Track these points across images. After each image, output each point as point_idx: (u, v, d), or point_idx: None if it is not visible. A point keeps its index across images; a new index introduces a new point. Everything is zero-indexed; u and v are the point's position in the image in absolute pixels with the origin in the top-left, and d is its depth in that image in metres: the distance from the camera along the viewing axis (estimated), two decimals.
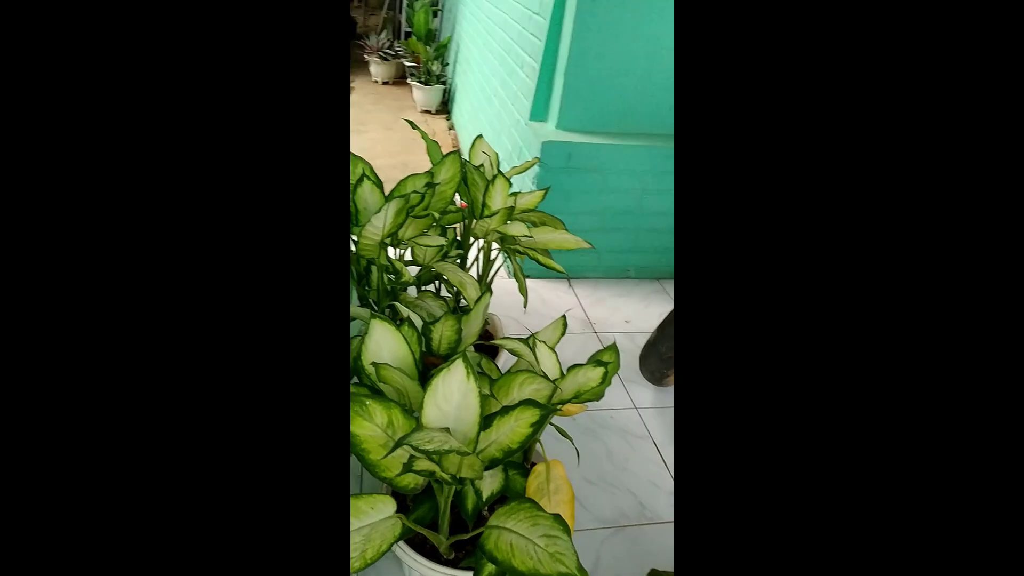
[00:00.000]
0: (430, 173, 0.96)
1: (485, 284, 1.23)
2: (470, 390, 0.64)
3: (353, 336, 0.79)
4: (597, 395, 0.73)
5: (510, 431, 0.63)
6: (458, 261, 1.19)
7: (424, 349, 0.82)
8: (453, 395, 0.64)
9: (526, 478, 0.75)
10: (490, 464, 0.64)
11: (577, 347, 1.48)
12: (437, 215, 0.99)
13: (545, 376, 0.72)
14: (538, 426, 0.62)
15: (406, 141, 3.20)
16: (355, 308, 0.87)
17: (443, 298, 0.97)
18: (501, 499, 0.78)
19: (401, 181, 0.97)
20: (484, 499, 0.69)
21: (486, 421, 0.65)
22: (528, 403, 0.63)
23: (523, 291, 1.20)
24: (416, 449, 0.55)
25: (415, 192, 0.93)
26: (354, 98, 3.87)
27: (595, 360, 0.77)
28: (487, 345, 1.24)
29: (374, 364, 0.67)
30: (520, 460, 0.82)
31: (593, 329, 1.57)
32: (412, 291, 1.17)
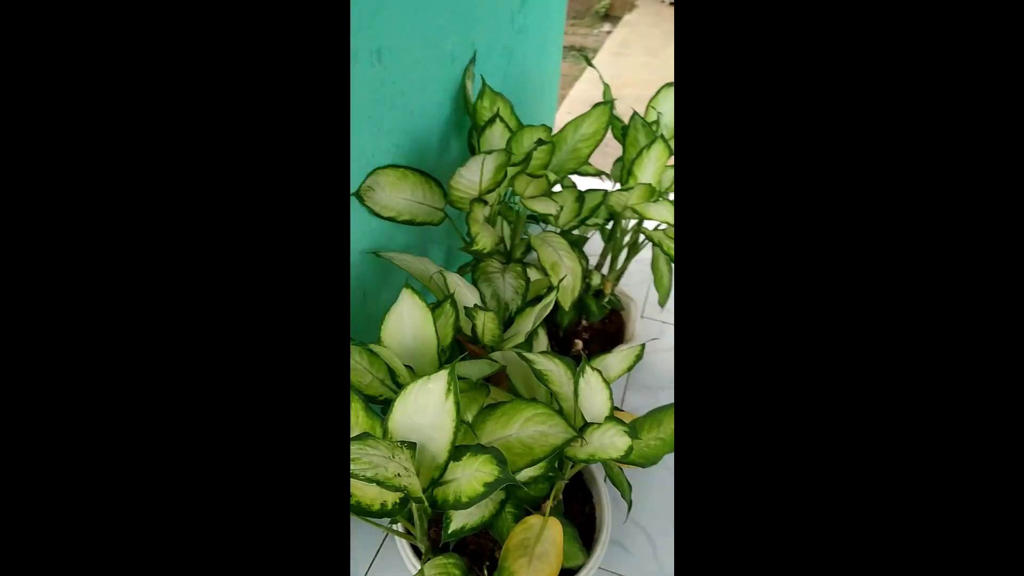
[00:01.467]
0: (547, 128, 0.80)
1: (613, 272, 1.05)
2: (446, 412, 0.52)
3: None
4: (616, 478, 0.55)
5: (465, 481, 0.51)
6: (588, 237, 1.02)
7: (470, 334, 0.71)
8: (428, 410, 0.53)
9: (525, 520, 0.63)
10: (459, 504, 0.53)
11: None
12: (554, 176, 0.84)
13: (566, 420, 0.56)
14: (492, 488, 0.48)
15: (668, 69, 2.91)
16: (425, 264, 0.79)
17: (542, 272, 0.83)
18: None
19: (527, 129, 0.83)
20: (457, 530, 0.59)
21: (456, 452, 0.53)
22: (489, 457, 0.49)
23: (660, 287, 0.99)
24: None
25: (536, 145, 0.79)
26: (631, 17, 3.62)
27: (637, 423, 0.58)
28: (607, 332, 1.08)
29: (365, 347, 0.59)
30: (544, 492, 0.68)
31: None
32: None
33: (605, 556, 0.91)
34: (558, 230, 0.96)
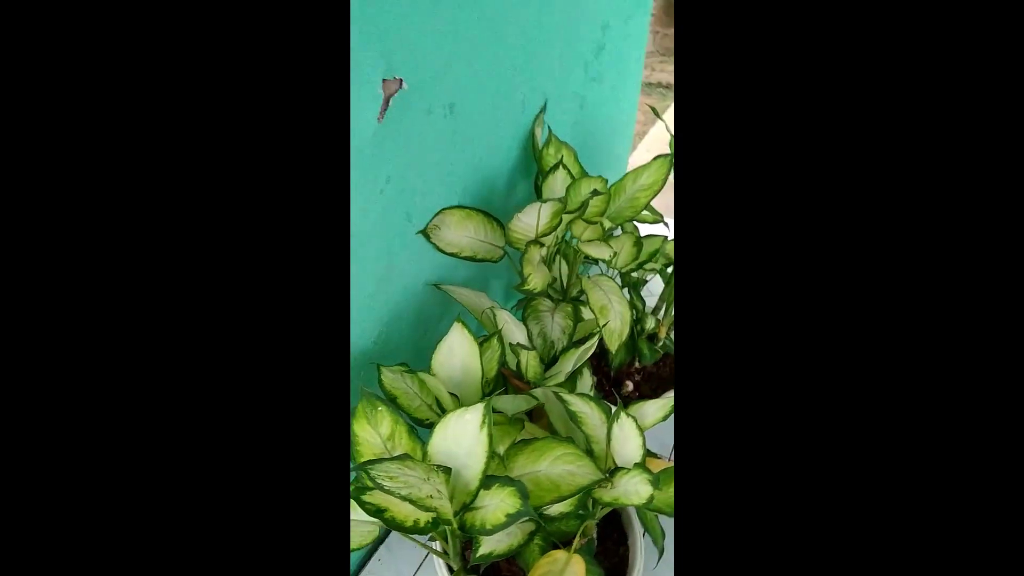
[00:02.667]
0: (603, 180, 0.84)
1: (668, 317, 1.06)
2: (480, 442, 0.56)
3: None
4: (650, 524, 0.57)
5: (492, 509, 0.54)
6: (647, 280, 1.04)
7: (515, 369, 0.75)
8: (464, 439, 0.58)
9: (558, 549, 0.65)
10: (484, 530, 0.57)
11: None
12: (608, 223, 0.87)
13: (595, 462, 0.59)
14: (513, 519, 0.52)
15: None
16: (481, 299, 0.85)
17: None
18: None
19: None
20: (485, 555, 0.63)
21: (487, 481, 0.57)
22: (514, 490, 0.53)
23: None
24: (372, 482, 0.52)
25: (592, 194, 0.83)
26: None
27: (665, 473, 0.59)
28: (660, 375, 1.09)
29: (416, 374, 0.65)
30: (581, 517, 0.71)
31: None
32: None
33: None
34: (614, 273, 0.99)
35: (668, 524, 1.00)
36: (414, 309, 0.86)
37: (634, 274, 1.08)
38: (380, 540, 1.00)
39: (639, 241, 0.96)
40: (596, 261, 1.00)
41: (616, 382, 1.06)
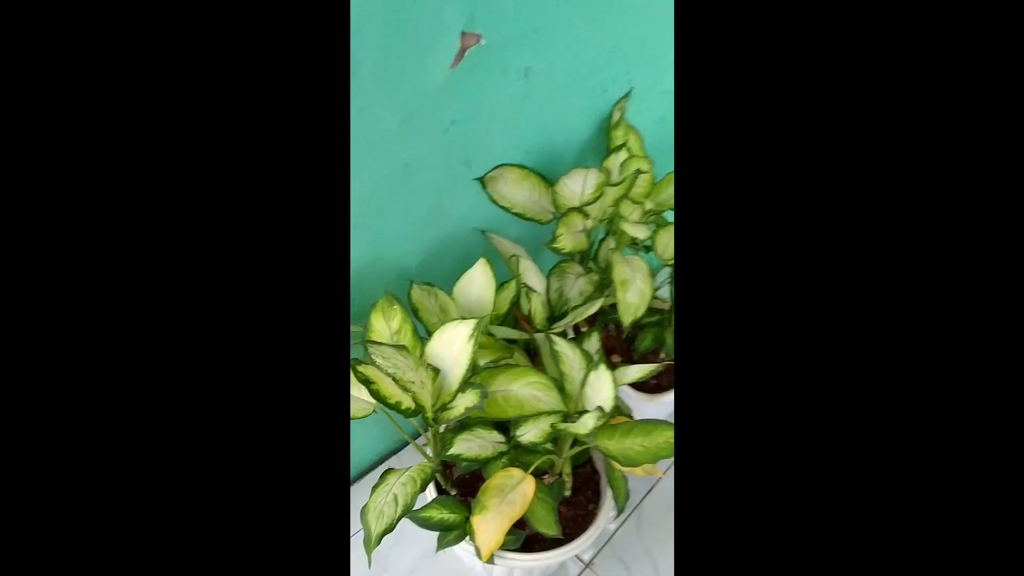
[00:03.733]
0: (651, 161, 0.88)
1: None
2: (465, 352, 0.65)
3: None
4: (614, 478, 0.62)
5: (461, 406, 0.63)
6: None
7: (526, 314, 0.82)
8: (454, 345, 0.66)
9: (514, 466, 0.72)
10: (450, 419, 0.65)
11: None
12: (651, 205, 0.92)
13: (565, 399, 0.65)
14: (469, 410, 0.59)
15: None
16: (518, 250, 0.92)
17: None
18: None
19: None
20: (454, 454, 0.71)
21: (463, 386, 0.65)
22: (477, 392, 0.60)
23: None
24: (369, 358, 0.62)
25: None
26: None
27: (628, 426, 0.63)
28: None
29: (437, 291, 0.74)
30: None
31: None
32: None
33: (608, 568, 0.97)
34: (660, 264, 1.03)
35: (653, 501, 1.05)
36: (459, 248, 0.96)
37: None
38: (386, 455, 1.12)
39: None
40: (647, 249, 1.04)
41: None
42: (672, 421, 0.69)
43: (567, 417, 0.69)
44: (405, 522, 0.67)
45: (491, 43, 0.78)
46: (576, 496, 0.87)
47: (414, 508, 0.74)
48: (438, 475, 0.82)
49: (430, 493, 0.81)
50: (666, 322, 1.07)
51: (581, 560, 0.98)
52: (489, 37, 0.77)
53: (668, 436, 0.67)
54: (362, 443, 1.08)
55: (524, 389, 0.67)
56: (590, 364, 0.69)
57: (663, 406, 1.07)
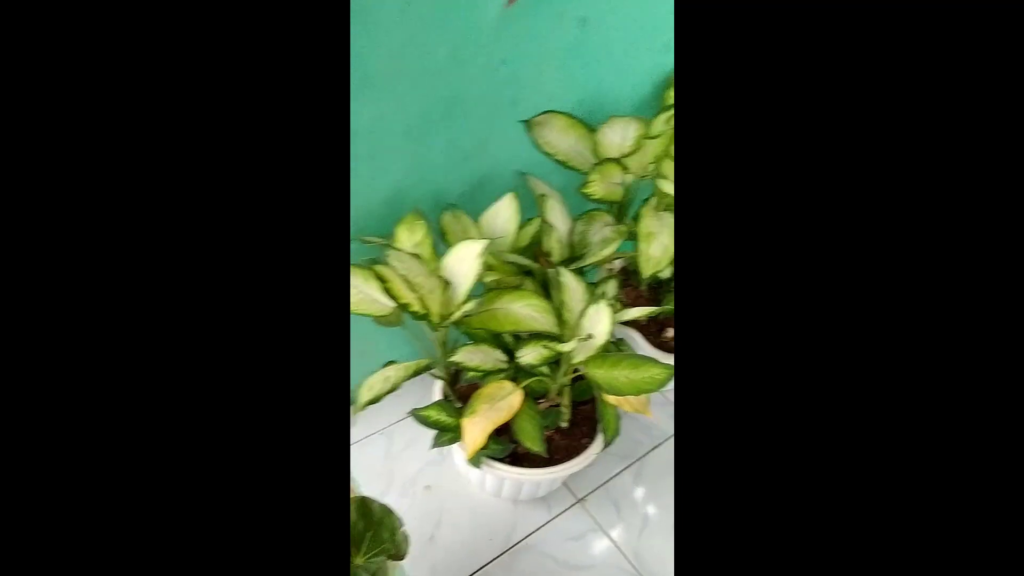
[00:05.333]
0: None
1: None
2: (474, 268, 0.71)
3: None
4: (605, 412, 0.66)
5: (458, 313, 0.69)
6: None
7: (546, 251, 0.87)
8: (465, 261, 0.73)
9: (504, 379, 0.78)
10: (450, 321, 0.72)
11: None
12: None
13: (562, 325, 0.70)
14: (462, 305, 0.66)
15: None
16: (551, 190, 0.97)
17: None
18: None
19: None
20: (456, 361, 0.78)
21: (468, 297, 0.72)
22: (474, 300, 0.66)
23: None
24: (385, 261, 0.69)
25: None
26: None
27: (618, 358, 0.67)
28: None
29: (464, 216, 0.80)
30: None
31: None
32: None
33: (599, 508, 1.02)
34: None
35: (641, 442, 1.08)
36: (501, 186, 1.01)
37: None
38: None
39: None
40: None
41: (662, 327, 1.12)
42: (665, 361, 0.73)
43: (559, 340, 0.74)
44: (418, 432, 0.74)
45: None
46: (573, 429, 0.93)
47: (419, 407, 0.82)
48: (445, 385, 0.90)
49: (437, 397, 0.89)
50: None
51: (574, 494, 1.03)
52: None
53: (654, 372, 0.70)
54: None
55: (523, 309, 0.73)
56: (591, 298, 0.74)
57: None
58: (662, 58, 1.05)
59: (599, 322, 0.73)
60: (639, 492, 1.05)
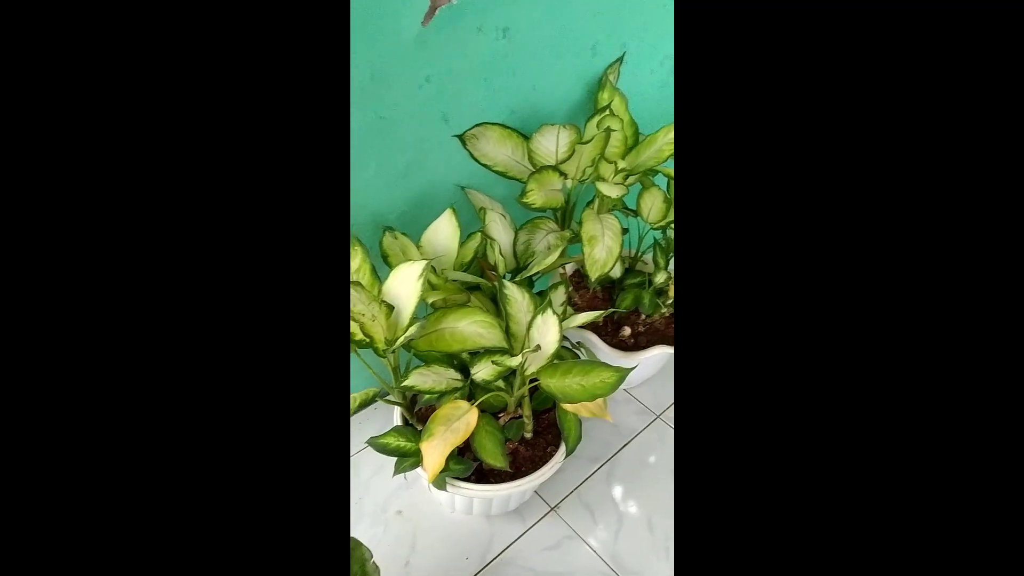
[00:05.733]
0: (634, 125, 0.90)
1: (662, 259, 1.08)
2: (415, 290, 0.70)
3: None
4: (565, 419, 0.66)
5: (407, 336, 0.68)
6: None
7: (492, 264, 0.87)
8: (407, 284, 0.72)
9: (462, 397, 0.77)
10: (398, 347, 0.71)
11: None
12: (623, 164, 0.93)
13: (509, 339, 0.70)
14: (404, 333, 0.65)
15: None
16: (494, 205, 0.96)
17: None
18: None
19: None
20: (408, 386, 0.77)
21: (411, 320, 0.70)
22: (420, 323, 0.65)
23: None
24: None
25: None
26: None
27: (569, 365, 0.67)
28: (663, 332, 1.13)
29: (404, 238, 0.79)
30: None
31: None
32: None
33: (573, 513, 1.02)
34: (646, 228, 1.05)
35: (609, 442, 1.08)
36: (442, 202, 1.00)
37: (669, 232, 1.13)
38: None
39: (668, 199, 1.01)
40: (634, 213, 1.07)
41: (619, 326, 1.13)
42: (612, 365, 0.73)
43: (509, 354, 0.73)
44: (384, 459, 0.71)
45: (464, 2, 0.81)
46: (538, 438, 0.92)
47: (377, 435, 0.81)
48: (404, 410, 0.88)
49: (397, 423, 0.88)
50: (646, 284, 1.10)
51: (547, 503, 1.03)
52: None
53: (604, 376, 0.70)
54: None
55: (469, 326, 0.72)
56: (538, 308, 0.73)
57: (640, 362, 1.10)
58: (590, 63, 1.05)
59: (547, 332, 0.73)
60: (612, 493, 1.06)
